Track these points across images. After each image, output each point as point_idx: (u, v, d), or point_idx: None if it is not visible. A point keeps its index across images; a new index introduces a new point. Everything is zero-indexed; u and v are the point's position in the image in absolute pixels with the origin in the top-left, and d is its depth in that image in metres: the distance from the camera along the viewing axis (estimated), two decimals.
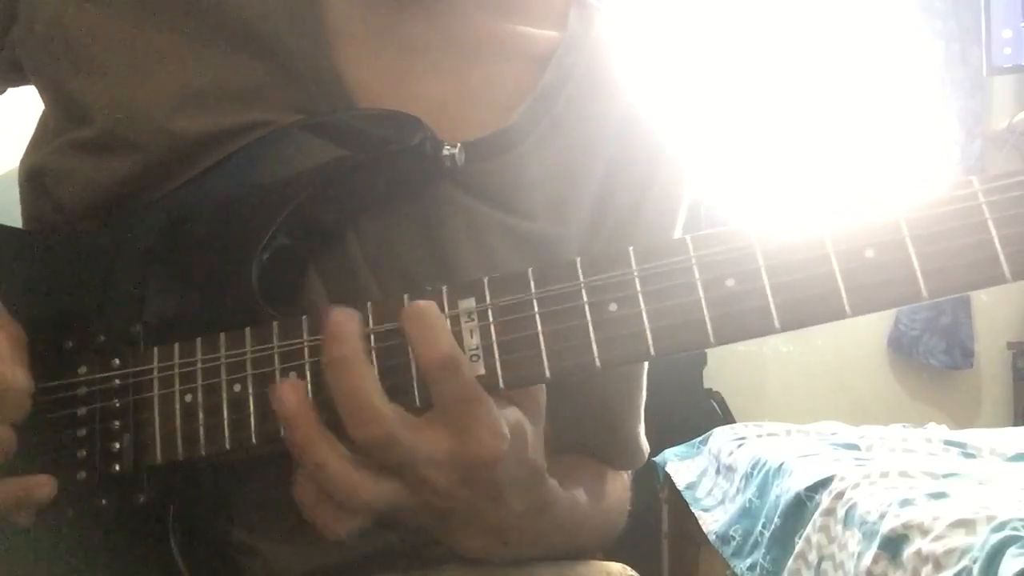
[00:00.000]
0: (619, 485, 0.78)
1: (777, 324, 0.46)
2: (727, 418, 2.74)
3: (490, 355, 0.51)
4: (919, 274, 0.45)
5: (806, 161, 2.90)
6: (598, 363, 0.49)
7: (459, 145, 0.63)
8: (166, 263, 0.63)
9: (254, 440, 0.57)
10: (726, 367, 2.92)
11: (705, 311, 0.47)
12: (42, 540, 0.61)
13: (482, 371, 0.51)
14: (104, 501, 0.60)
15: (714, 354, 2.83)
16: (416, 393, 0.53)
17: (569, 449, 0.75)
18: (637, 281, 0.49)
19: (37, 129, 0.74)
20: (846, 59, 3.01)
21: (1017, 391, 3.02)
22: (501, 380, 0.51)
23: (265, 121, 0.65)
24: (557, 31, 0.73)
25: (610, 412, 0.76)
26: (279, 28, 0.67)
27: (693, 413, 2.71)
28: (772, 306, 0.46)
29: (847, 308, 0.45)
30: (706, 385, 2.85)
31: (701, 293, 0.48)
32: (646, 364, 0.76)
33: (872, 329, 3.08)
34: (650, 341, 0.48)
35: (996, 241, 0.46)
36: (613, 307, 0.49)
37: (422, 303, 0.51)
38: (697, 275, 0.48)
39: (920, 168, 3.02)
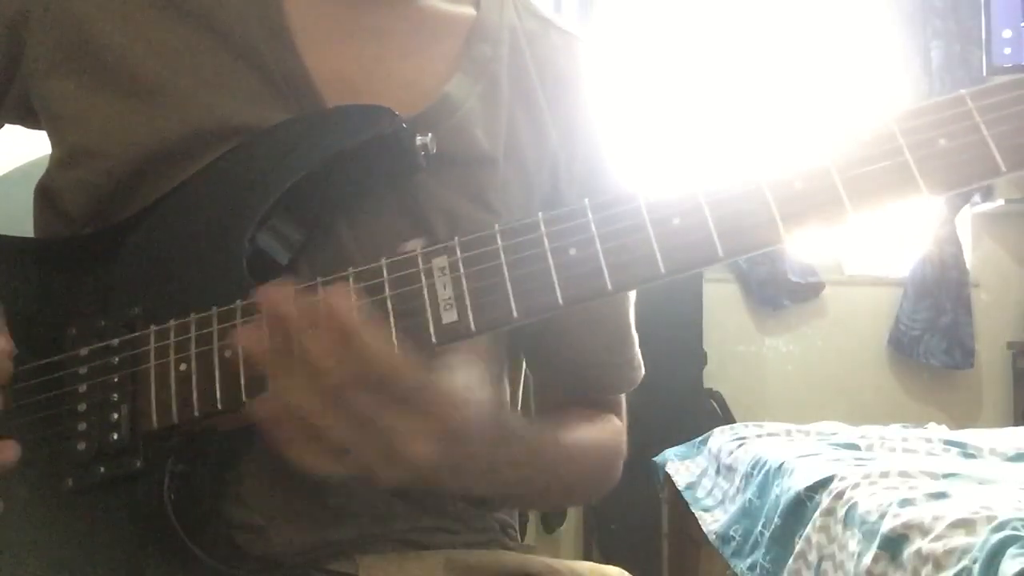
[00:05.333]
0: (611, 428, 0.82)
1: (720, 252, 0.50)
2: (727, 418, 2.75)
3: (462, 302, 0.55)
4: (845, 200, 0.49)
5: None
6: (561, 301, 0.53)
7: (430, 135, 0.67)
8: (163, 253, 0.67)
9: (244, 397, 0.59)
10: (726, 367, 2.93)
11: (655, 245, 0.52)
12: (43, 509, 0.64)
13: (455, 317, 0.55)
14: (102, 469, 0.63)
15: (714, 354, 2.86)
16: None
17: (571, 389, 0.81)
18: (593, 226, 0.53)
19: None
20: (846, 59, 3.03)
21: (1017, 391, 3.00)
22: (472, 324, 0.55)
23: (246, 123, 0.69)
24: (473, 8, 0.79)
25: (606, 333, 0.81)
26: (249, 28, 0.72)
27: (693, 413, 2.72)
28: (715, 236, 0.51)
29: (782, 234, 0.49)
30: (706, 385, 2.86)
31: (651, 231, 0.52)
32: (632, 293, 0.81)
33: (872, 329, 3.08)
34: (607, 277, 0.53)
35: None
36: (573, 251, 0.54)
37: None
38: (646, 216, 0.52)
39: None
